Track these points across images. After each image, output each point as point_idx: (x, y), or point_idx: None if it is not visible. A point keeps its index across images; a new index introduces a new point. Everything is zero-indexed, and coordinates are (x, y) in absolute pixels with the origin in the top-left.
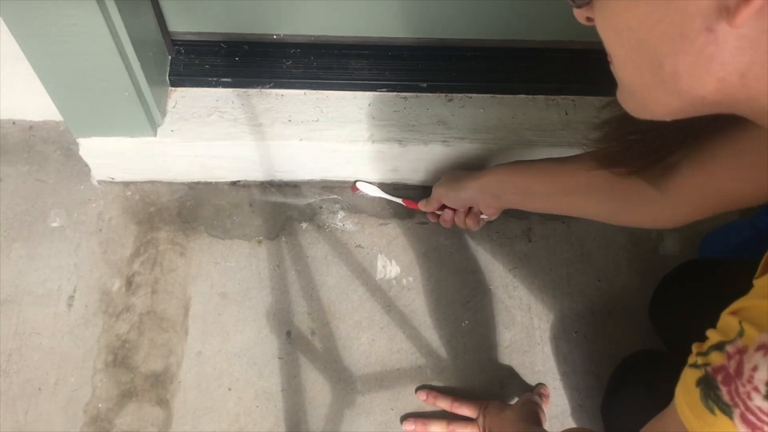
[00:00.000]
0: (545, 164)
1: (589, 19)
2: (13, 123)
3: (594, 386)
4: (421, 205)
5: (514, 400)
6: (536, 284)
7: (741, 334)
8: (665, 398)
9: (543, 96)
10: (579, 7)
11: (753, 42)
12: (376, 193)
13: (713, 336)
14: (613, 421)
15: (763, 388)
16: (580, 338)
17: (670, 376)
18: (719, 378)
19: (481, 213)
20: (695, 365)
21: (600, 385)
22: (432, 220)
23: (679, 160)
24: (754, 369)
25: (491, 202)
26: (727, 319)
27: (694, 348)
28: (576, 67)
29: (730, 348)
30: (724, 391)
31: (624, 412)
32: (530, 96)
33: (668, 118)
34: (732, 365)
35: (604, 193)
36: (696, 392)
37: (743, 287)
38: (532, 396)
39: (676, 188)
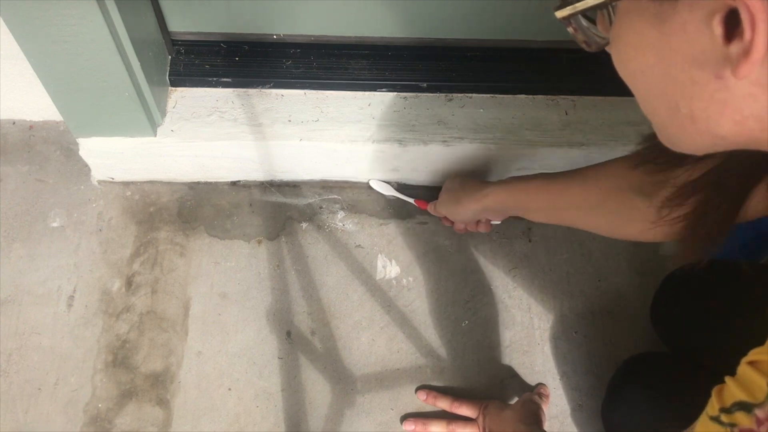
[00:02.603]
0: (539, 182)
1: None
2: (13, 123)
3: (594, 386)
4: (430, 209)
5: (514, 400)
6: (536, 284)
7: None
8: (666, 399)
9: (543, 96)
10: (596, 50)
11: (765, 88)
12: (390, 192)
13: (735, 390)
14: (613, 421)
15: None
16: (580, 338)
17: (670, 377)
18: None
19: (489, 220)
20: (719, 421)
21: (600, 385)
22: (446, 224)
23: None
24: None
25: (494, 216)
26: (750, 374)
27: (715, 397)
28: (576, 67)
29: (759, 413)
30: None
31: (625, 413)
32: (530, 96)
33: (699, 153)
34: (762, 431)
35: (597, 209)
36: None
37: (743, 288)
38: (532, 396)
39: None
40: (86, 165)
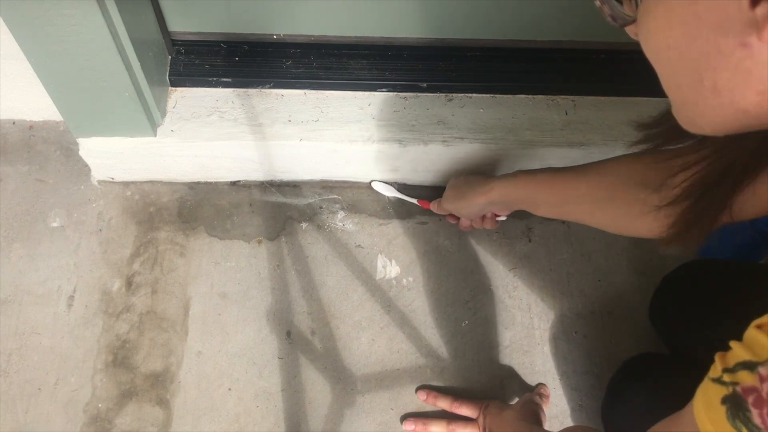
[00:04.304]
0: (546, 175)
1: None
2: (13, 123)
3: (594, 386)
4: (433, 207)
5: (515, 400)
6: (536, 284)
7: None
8: (666, 399)
9: (543, 96)
10: (621, 26)
11: None
12: (392, 193)
13: (739, 351)
14: (613, 422)
15: None
16: (580, 338)
17: (670, 377)
18: (750, 399)
19: (495, 215)
20: (720, 381)
21: (600, 385)
22: (451, 221)
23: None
24: None
25: (500, 210)
26: (756, 335)
27: (718, 361)
28: (576, 67)
29: (762, 370)
30: (755, 413)
31: (625, 413)
32: (530, 96)
33: (719, 134)
34: (765, 388)
35: (604, 204)
36: (721, 410)
37: (743, 288)
38: (532, 396)
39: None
40: (86, 165)
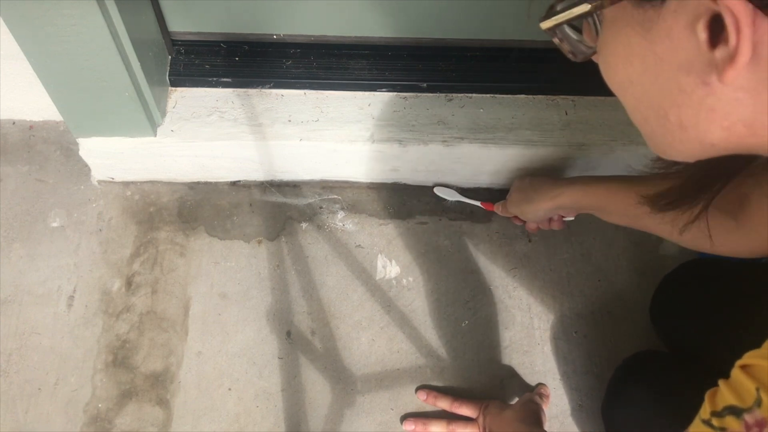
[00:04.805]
0: (619, 185)
1: None
2: (13, 123)
3: (594, 386)
4: (497, 210)
5: (515, 400)
6: (536, 284)
7: (759, 403)
8: (666, 399)
9: (543, 96)
10: (582, 60)
11: (752, 93)
12: (454, 196)
13: (726, 393)
14: (613, 420)
15: None
16: (580, 338)
17: (671, 376)
18: None
19: (562, 216)
20: (709, 424)
21: (600, 385)
22: (517, 223)
23: (751, 190)
24: None
25: (567, 212)
26: (741, 378)
27: (707, 401)
28: (576, 67)
29: (748, 417)
30: None
31: (625, 412)
32: (530, 96)
33: (690, 160)
34: None
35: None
36: None
37: (743, 288)
38: (532, 396)
39: (753, 218)
40: (86, 165)
